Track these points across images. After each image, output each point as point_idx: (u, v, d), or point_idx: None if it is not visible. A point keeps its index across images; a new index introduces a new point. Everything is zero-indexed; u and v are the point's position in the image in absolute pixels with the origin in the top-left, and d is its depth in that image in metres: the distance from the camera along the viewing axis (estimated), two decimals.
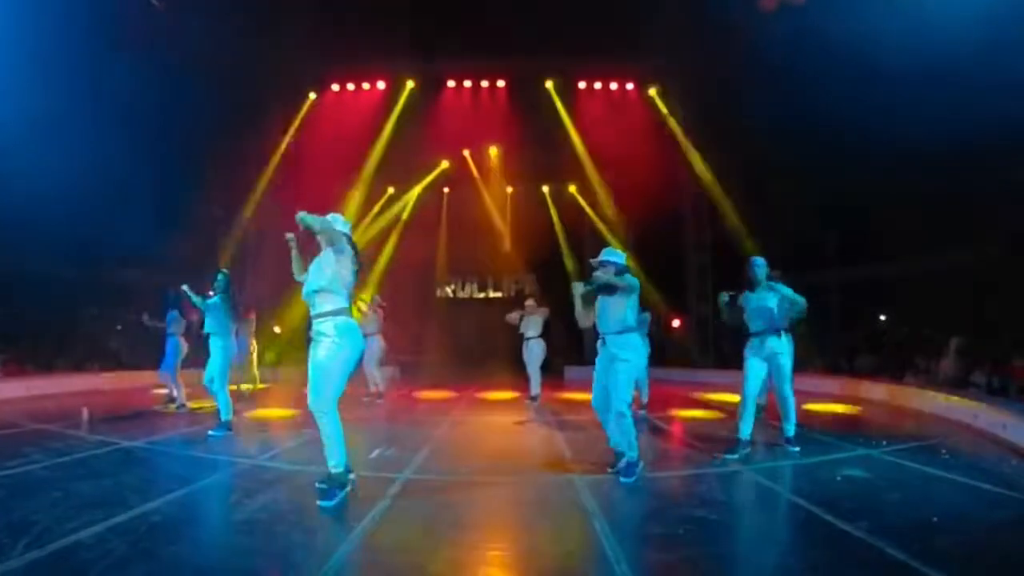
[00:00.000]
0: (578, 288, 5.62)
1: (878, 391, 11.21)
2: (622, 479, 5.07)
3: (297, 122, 17.45)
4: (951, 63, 9.96)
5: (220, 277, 8.15)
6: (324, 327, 4.63)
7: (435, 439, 7.12)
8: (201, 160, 14.45)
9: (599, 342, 5.44)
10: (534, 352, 10.99)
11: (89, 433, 7.24)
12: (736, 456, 6.00)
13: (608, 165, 17.45)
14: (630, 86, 17.66)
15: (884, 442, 6.75)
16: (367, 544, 3.64)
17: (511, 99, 17.39)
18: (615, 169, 17.33)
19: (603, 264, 5.40)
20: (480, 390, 12.88)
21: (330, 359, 4.58)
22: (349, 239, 4.77)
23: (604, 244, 18.06)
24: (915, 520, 4.05)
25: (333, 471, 4.61)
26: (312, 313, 4.75)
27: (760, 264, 6.50)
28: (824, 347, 15.41)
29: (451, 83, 17.62)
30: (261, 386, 12.19)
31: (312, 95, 17.55)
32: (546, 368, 11.42)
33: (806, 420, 8.40)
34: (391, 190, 19.19)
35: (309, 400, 4.65)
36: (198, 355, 9.11)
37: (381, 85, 17.72)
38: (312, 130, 17.30)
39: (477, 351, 17.15)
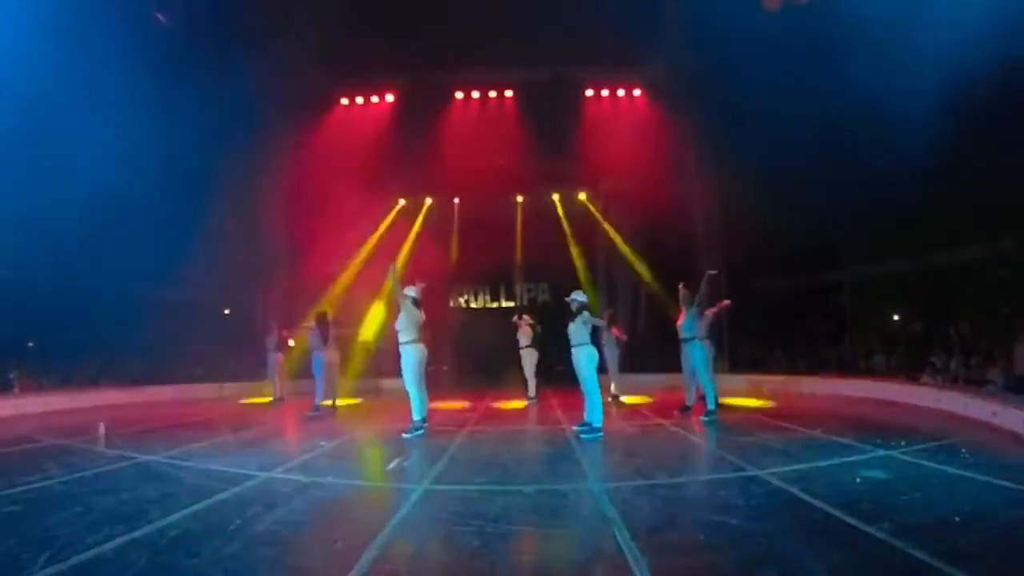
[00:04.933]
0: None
1: (894, 391, 11.13)
2: (583, 436, 7.64)
3: (307, 137, 17.53)
4: (959, 62, 9.95)
5: (320, 314, 11.97)
6: (405, 347, 8.30)
7: (452, 449, 7.11)
8: (213, 176, 14.57)
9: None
10: (527, 359, 12.85)
11: (107, 447, 7.29)
12: (682, 413, 9.75)
13: (617, 172, 17.44)
14: (637, 92, 17.69)
15: (903, 442, 6.69)
16: (387, 555, 3.62)
17: (519, 108, 17.45)
18: (624, 175, 17.33)
19: (572, 300, 8.35)
20: (495, 400, 12.87)
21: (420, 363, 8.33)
22: (416, 301, 8.42)
23: (615, 250, 18.29)
24: (937, 520, 4.02)
25: (415, 418, 8.14)
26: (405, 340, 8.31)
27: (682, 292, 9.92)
28: (838, 348, 15.36)
29: (459, 94, 17.71)
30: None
31: (322, 109, 17.64)
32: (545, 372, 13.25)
33: (823, 423, 8.38)
34: (402, 202, 19.26)
35: (407, 382, 8.23)
36: None
37: (390, 98, 17.83)
38: (323, 144, 17.38)
39: (491, 361, 17.11)
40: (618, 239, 18.57)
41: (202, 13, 13.31)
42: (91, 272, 13.15)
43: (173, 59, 13.00)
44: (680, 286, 10.06)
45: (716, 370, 10.98)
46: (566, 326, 8.41)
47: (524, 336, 12.88)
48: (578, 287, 9.47)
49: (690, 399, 10.04)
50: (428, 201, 19.35)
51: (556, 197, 19.59)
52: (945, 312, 13.66)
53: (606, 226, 18.88)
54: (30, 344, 14.23)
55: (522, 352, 12.91)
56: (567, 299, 8.42)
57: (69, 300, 13.14)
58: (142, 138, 12.57)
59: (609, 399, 11.49)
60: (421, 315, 8.43)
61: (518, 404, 12.14)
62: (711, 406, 9.28)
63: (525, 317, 13.11)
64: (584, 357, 8.13)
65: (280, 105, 16.85)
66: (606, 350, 11.61)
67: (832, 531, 3.88)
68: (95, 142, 11.79)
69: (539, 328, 12.85)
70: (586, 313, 8.24)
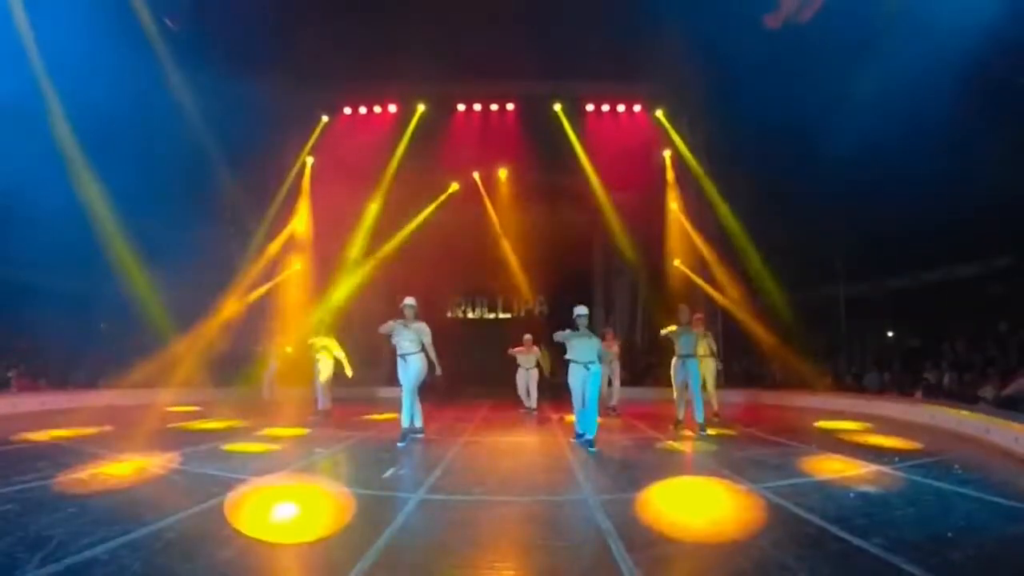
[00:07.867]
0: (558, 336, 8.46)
1: (888, 406, 11.16)
2: (588, 448, 7.68)
3: (310, 146, 17.59)
4: (958, 74, 10.03)
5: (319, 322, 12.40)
6: (413, 357, 8.51)
7: (448, 459, 7.11)
8: (216, 182, 14.61)
9: (578, 367, 8.23)
10: (531, 376, 12.88)
11: (103, 448, 7.27)
12: (676, 427, 9.63)
13: (616, 185, 17.49)
14: (637, 108, 17.77)
15: (896, 458, 6.72)
16: (382, 563, 3.62)
17: (520, 122, 17.52)
18: (623, 189, 17.39)
19: (579, 316, 8.27)
20: (491, 410, 12.85)
21: (418, 372, 8.51)
22: (416, 313, 8.71)
23: (612, 263, 18.32)
24: (930, 535, 4.03)
25: (404, 426, 8.29)
26: (401, 352, 8.57)
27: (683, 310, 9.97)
28: (833, 363, 15.38)
29: (461, 107, 17.78)
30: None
31: (324, 119, 17.71)
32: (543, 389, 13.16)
33: (817, 438, 8.41)
34: (402, 209, 19.27)
35: (405, 388, 8.41)
36: None
37: (393, 109, 17.89)
38: (325, 153, 17.43)
39: (488, 372, 17.09)
40: (615, 251, 18.58)
41: (210, 22, 13.39)
42: (90, 272, 13.13)
43: (179, 65, 13.08)
44: (692, 311, 10.29)
45: (716, 385, 11.15)
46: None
47: (529, 357, 12.83)
48: (578, 301, 9.29)
49: (681, 413, 10.06)
50: (428, 209, 19.35)
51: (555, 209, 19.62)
52: (940, 329, 13.68)
53: (606, 240, 18.89)
54: (26, 344, 14.18)
55: (527, 371, 12.85)
56: (574, 317, 8.34)
57: (68, 300, 13.11)
58: (144, 141, 12.61)
59: (607, 409, 11.52)
60: (427, 332, 8.65)
61: (515, 415, 12.14)
62: (700, 420, 9.39)
63: (528, 336, 13.04)
64: (592, 373, 8.15)
65: (284, 114, 16.94)
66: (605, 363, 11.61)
67: (825, 545, 3.89)
68: (94, 142, 11.83)
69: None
70: (598, 341, 8.44)
